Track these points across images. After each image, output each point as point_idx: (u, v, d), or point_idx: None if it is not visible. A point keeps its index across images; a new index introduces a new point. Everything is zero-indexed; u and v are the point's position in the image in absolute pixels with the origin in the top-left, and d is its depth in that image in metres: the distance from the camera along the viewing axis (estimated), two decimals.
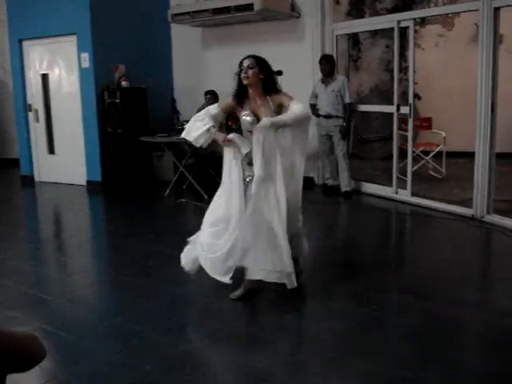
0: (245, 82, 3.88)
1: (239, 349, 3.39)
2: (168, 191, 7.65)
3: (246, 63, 3.89)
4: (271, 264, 3.80)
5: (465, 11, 7.01)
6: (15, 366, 1.45)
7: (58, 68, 8.86)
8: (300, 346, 3.38)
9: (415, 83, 7.12)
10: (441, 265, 4.82)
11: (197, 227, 4.19)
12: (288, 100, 3.89)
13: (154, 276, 4.66)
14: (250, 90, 3.94)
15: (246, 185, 3.94)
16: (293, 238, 4.04)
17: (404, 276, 4.77)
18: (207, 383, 2.98)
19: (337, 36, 7.89)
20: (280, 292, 4.11)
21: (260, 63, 3.90)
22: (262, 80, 3.90)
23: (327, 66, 7.31)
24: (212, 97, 8.01)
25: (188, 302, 4.22)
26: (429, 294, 4.13)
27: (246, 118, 3.92)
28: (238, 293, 4.05)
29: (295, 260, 3.96)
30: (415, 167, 7.51)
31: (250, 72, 3.85)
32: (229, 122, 4.71)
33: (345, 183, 7.48)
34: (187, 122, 8.40)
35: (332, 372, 3.04)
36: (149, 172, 8.73)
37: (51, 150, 9.20)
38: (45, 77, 9.02)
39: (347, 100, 7.32)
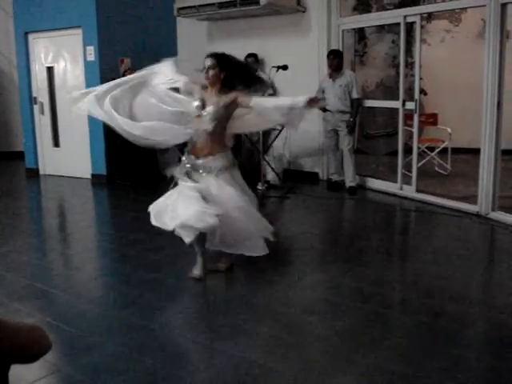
0: (206, 81, 4.15)
1: (243, 343, 3.39)
2: (172, 185, 7.60)
3: (207, 63, 4.12)
4: None
5: (472, 7, 6.97)
6: (20, 357, 1.45)
7: (64, 61, 8.87)
8: (302, 341, 3.38)
9: (421, 79, 7.09)
10: (445, 262, 4.81)
11: None
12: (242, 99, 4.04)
13: (158, 270, 4.67)
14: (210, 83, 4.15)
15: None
16: None
17: (407, 272, 4.77)
18: (210, 377, 2.98)
19: (343, 31, 7.86)
20: (281, 291, 4.13)
21: (221, 63, 4.10)
22: (223, 79, 4.11)
23: (335, 60, 7.29)
24: None
25: (194, 297, 4.23)
26: (432, 290, 4.12)
27: (195, 102, 4.15)
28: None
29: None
30: (420, 163, 7.48)
31: (211, 72, 4.11)
32: None
33: (350, 178, 7.47)
34: None
35: (334, 367, 3.04)
36: (153, 166, 8.71)
37: (56, 143, 9.22)
38: (50, 70, 9.03)
39: (355, 95, 7.30)
